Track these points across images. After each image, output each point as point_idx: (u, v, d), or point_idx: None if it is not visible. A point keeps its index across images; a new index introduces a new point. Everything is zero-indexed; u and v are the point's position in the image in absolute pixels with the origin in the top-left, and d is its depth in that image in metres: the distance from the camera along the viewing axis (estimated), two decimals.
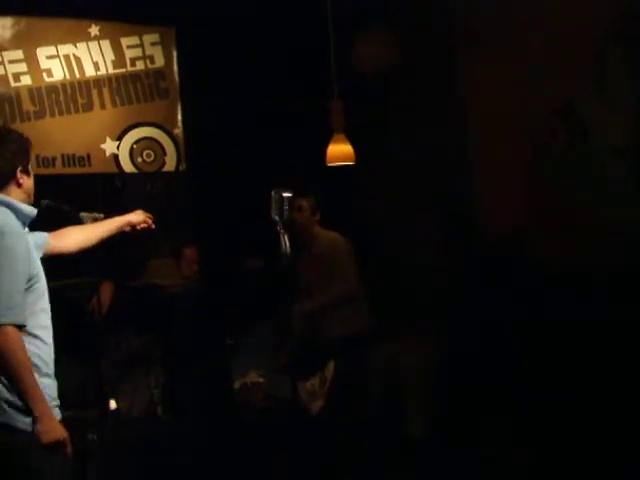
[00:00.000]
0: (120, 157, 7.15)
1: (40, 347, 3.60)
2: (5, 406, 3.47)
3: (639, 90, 5.55)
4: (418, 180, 6.80)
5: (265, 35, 7.18)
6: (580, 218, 5.80)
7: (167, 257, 6.52)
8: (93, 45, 7.10)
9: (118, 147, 7.13)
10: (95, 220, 4.84)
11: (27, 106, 6.85)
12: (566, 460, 5.36)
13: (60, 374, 5.31)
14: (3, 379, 3.46)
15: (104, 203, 6.12)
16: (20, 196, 3.77)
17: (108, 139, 7.10)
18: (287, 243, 4.21)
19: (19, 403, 3.45)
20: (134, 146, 7.19)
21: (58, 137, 6.93)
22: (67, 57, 7.00)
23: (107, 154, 7.10)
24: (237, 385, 6.42)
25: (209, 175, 7.18)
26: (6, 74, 6.79)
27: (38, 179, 6.66)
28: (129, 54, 7.24)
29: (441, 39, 6.77)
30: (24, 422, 3.46)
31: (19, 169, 3.75)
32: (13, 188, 3.75)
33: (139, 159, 7.20)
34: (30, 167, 3.83)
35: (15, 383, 3.44)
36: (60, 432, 3.49)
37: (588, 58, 5.78)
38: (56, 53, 6.96)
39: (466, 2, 6.50)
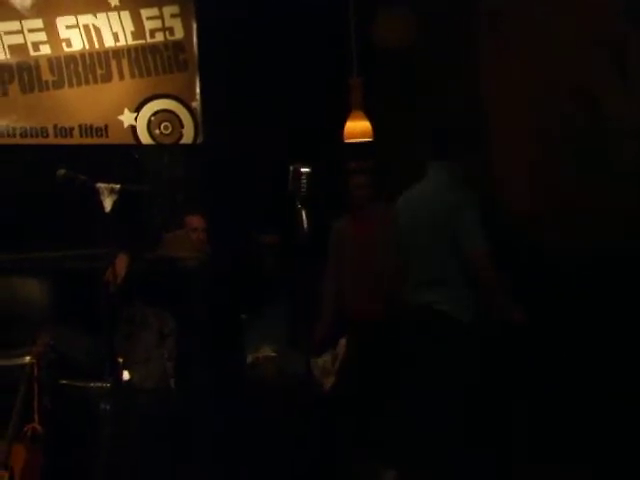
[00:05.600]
0: (138, 129, 7.14)
1: None
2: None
3: None
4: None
5: (285, 9, 7.15)
6: (595, 200, 5.79)
7: (179, 229, 6.49)
8: (113, 16, 7.07)
9: (136, 119, 7.12)
10: (112, 191, 4.85)
11: (46, 75, 6.84)
12: None
13: (74, 343, 5.35)
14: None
15: (121, 175, 6.11)
16: None
17: (126, 110, 7.09)
18: (305, 219, 4.20)
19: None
20: (152, 118, 7.18)
21: (76, 107, 6.92)
22: (87, 27, 6.98)
23: (125, 125, 7.09)
24: (249, 359, 6.42)
25: (227, 148, 7.17)
26: (25, 43, 6.78)
27: (56, 149, 6.72)
28: (149, 25, 7.20)
29: (461, 19, 6.75)
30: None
31: None
32: None
33: (157, 131, 7.19)
34: None
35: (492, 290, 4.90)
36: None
37: (608, 41, 5.75)
38: (76, 23, 6.94)
39: None
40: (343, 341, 6.14)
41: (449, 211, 5.02)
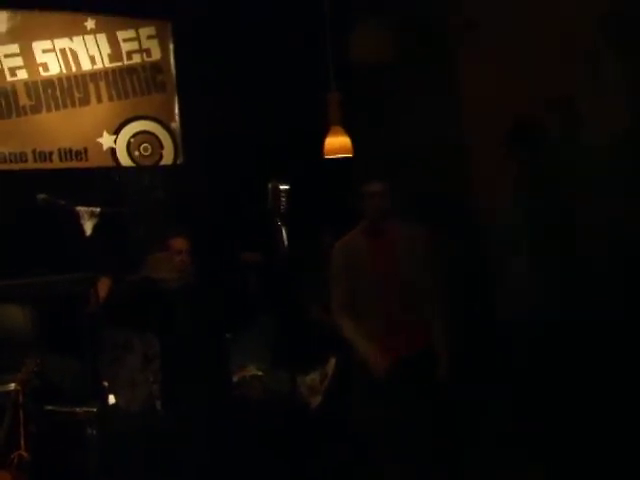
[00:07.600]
0: (117, 151, 7.13)
1: None
2: None
3: (633, 86, 5.57)
4: (413, 173, 6.79)
5: (262, 28, 7.16)
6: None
7: (162, 251, 6.48)
8: (89, 39, 7.07)
9: (115, 141, 7.11)
10: (92, 214, 4.84)
11: (23, 100, 6.82)
12: None
13: (59, 369, 5.32)
14: None
15: (101, 197, 6.09)
16: None
17: (105, 133, 7.07)
18: (285, 236, 4.20)
19: None
20: (131, 140, 7.17)
21: (55, 131, 6.90)
22: (63, 51, 6.97)
23: (104, 148, 7.08)
24: (236, 378, 6.41)
25: (206, 169, 7.17)
26: (2, 68, 6.75)
27: (35, 174, 6.70)
28: (125, 47, 7.20)
29: (438, 31, 6.78)
30: None
31: None
32: None
33: (136, 153, 7.18)
34: None
35: None
36: None
37: (584, 53, 5.79)
38: (52, 47, 6.93)
39: None
40: (333, 360, 6.10)
41: None
